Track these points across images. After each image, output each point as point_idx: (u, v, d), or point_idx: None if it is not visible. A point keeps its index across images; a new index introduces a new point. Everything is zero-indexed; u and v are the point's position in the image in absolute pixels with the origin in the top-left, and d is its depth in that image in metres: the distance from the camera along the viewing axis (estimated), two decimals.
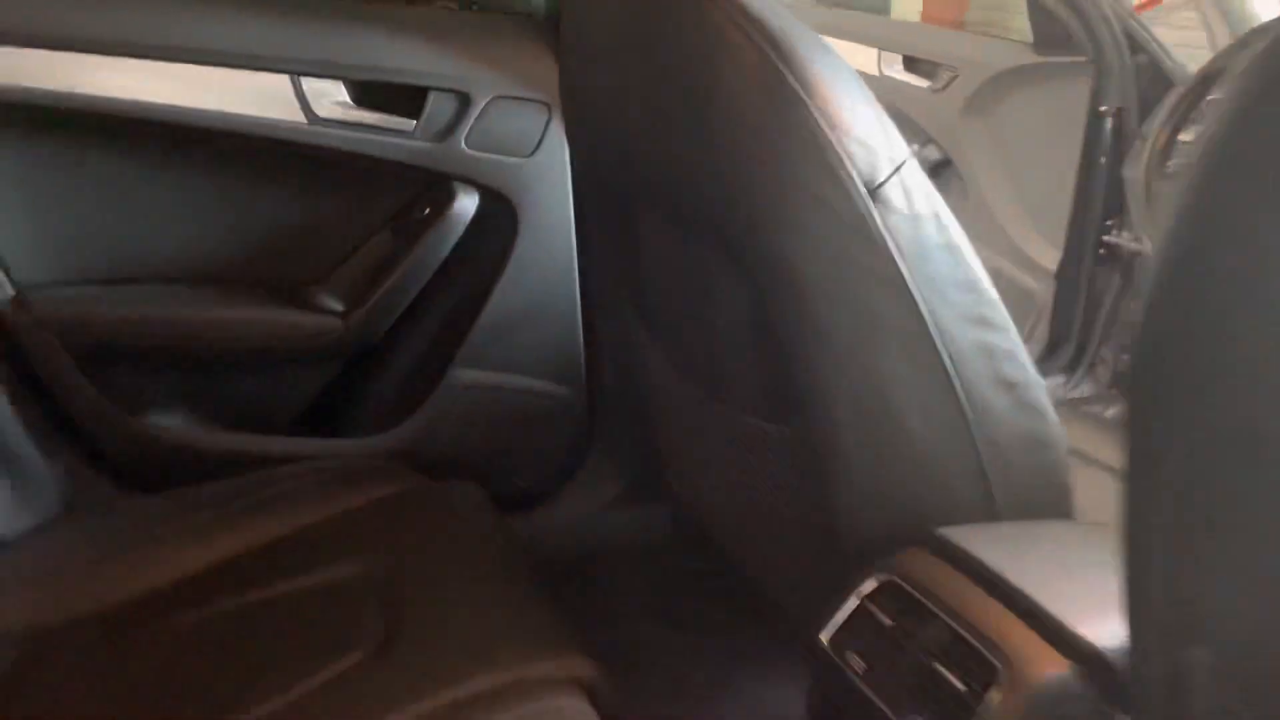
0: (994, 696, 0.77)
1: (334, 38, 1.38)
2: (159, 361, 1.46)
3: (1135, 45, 1.73)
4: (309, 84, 1.35)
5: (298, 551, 1.11)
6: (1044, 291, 1.91)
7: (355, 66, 1.37)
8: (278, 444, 1.48)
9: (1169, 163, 1.57)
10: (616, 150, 1.11)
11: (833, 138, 0.84)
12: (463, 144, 1.38)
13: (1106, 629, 0.74)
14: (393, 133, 1.38)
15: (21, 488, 1.24)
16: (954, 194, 2.17)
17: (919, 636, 0.85)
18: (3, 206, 1.36)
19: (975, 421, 0.92)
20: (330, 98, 1.36)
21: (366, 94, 1.38)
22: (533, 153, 1.39)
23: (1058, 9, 1.82)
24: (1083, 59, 1.80)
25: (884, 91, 2.30)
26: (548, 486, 1.56)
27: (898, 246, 0.87)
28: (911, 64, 2.29)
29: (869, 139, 0.86)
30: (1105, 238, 1.79)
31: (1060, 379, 1.87)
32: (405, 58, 1.38)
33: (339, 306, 1.47)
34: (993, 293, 0.92)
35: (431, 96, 1.37)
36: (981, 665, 0.79)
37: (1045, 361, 1.87)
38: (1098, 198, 1.80)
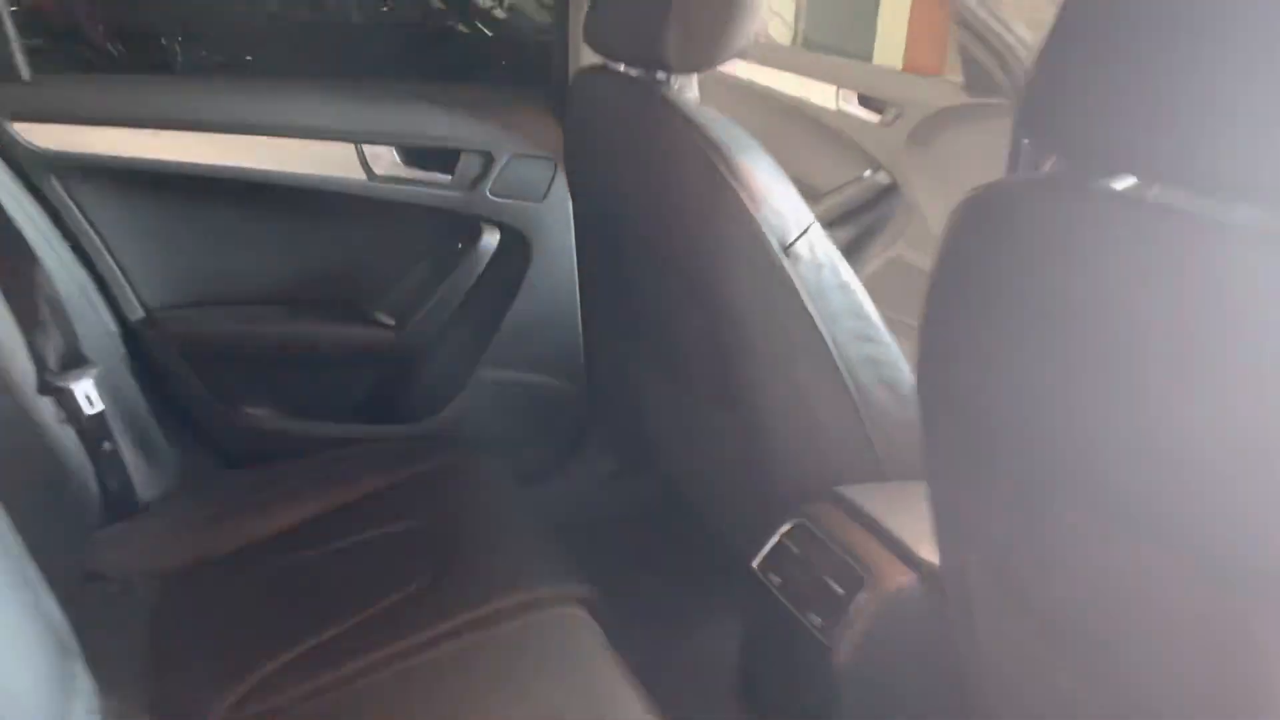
0: (862, 597, 0.95)
1: (387, 113, 1.49)
2: (254, 365, 1.56)
3: None
4: (369, 149, 1.46)
5: (364, 512, 1.20)
6: None
7: (404, 134, 1.48)
8: (345, 429, 1.59)
9: None
10: (606, 202, 1.24)
11: (755, 212, 0.98)
12: (488, 193, 1.48)
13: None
14: (433, 185, 1.48)
15: (153, 464, 1.37)
16: (900, 213, 2.25)
17: (817, 561, 1.01)
18: (137, 248, 1.49)
19: (865, 412, 1.07)
20: (385, 159, 1.47)
21: (413, 156, 1.48)
22: (543, 198, 1.48)
23: (985, 59, 1.93)
24: (1005, 101, 1.93)
25: (841, 125, 2.42)
26: (555, 462, 1.63)
27: (805, 288, 1.01)
28: (865, 100, 2.38)
29: (782, 210, 1.00)
30: None
31: None
32: (443, 126, 1.48)
33: (391, 321, 1.58)
34: (876, 317, 1.06)
35: (463, 156, 1.47)
36: (854, 578, 0.97)
37: None
38: None
